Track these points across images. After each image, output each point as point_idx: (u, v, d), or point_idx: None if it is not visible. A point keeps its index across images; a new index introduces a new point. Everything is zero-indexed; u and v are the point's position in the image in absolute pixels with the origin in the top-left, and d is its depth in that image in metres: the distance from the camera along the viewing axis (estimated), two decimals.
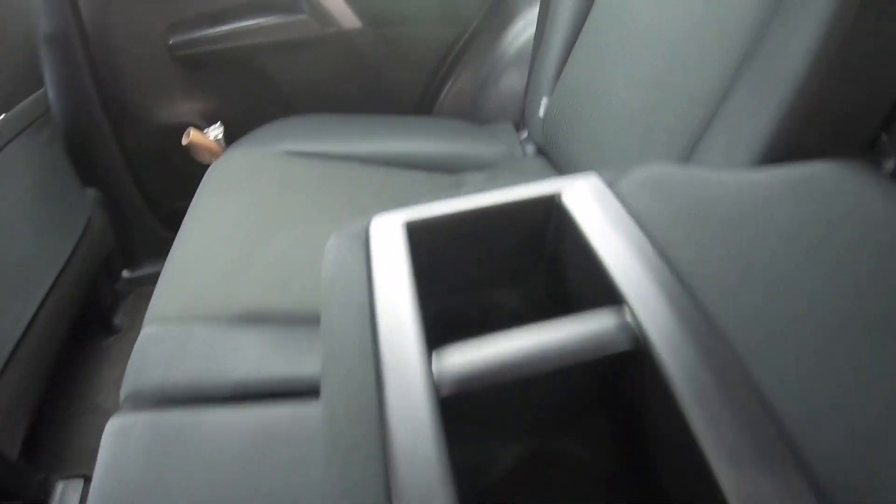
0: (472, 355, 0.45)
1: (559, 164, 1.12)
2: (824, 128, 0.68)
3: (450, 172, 1.20)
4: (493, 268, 0.61)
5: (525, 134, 1.28)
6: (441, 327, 0.49)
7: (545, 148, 1.17)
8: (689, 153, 0.78)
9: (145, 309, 0.94)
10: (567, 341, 0.46)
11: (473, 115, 1.46)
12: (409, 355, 0.45)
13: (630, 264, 0.50)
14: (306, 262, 0.91)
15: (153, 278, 1.02)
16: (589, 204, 0.56)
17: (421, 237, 0.56)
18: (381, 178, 1.15)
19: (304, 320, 0.84)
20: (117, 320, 1.57)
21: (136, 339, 0.86)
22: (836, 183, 0.58)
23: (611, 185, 0.59)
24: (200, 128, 1.44)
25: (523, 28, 1.45)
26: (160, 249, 1.27)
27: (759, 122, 0.69)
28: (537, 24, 1.31)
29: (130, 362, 0.83)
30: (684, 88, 0.81)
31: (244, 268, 0.92)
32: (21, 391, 1.09)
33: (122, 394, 0.80)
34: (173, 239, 1.08)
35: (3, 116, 1.11)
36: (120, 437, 0.72)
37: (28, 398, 1.12)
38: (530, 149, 1.24)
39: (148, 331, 0.86)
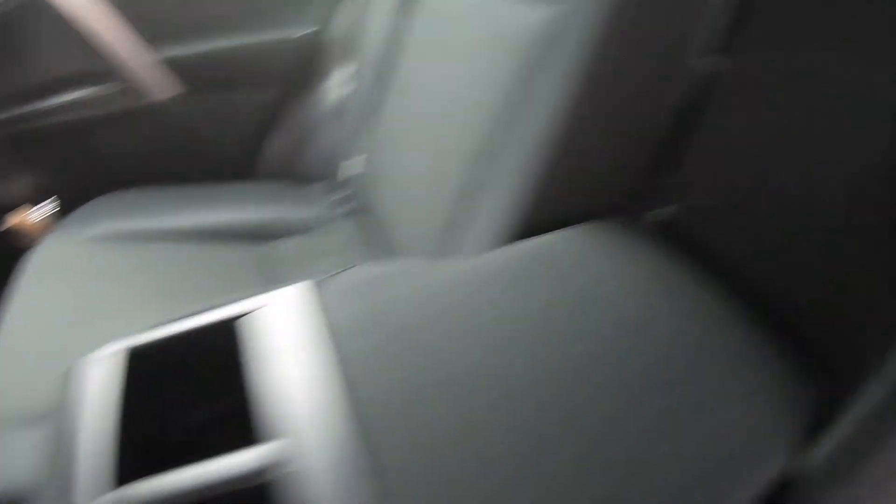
0: (135, 491, 0.50)
1: (372, 225, 1.17)
2: (577, 191, 0.75)
3: (265, 240, 1.25)
4: (198, 392, 0.62)
5: (338, 195, 1.34)
6: (153, 452, 0.53)
7: (357, 211, 1.23)
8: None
9: None
10: (208, 479, 0.50)
11: (293, 175, 1.51)
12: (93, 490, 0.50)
13: (294, 394, 0.54)
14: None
15: None
16: (279, 322, 0.61)
17: (140, 363, 0.61)
18: (193, 255, 1.20)
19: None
20: None
21: None
22: (552, 259, 0.65)
23: (320, 292, 0.64)
24: (33, 203, 1.46)
25: (339, 84, 1.49)
26: None
27: (508, 198, 0.75)
28: (354, 81, 1.37)
29: None
30: (453, 155, 0.87)
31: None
32: None
33: None
34: None
35: None
36: None
37: None
38: (341, 211, 1.30)
39: None
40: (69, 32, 1.36)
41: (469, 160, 0.83)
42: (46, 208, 1.47)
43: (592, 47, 0.66)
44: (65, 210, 1.44)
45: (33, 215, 1.45)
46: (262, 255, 1.22)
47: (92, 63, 1.41)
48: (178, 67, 1.45)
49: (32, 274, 1.15)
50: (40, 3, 1.31)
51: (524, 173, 0.73)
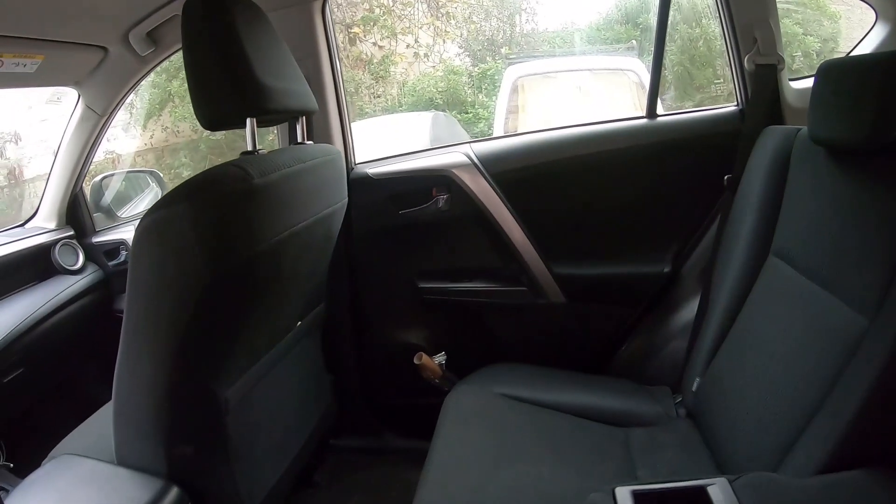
0: None
1: (705, 432, 1.43)
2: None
3: (619, 426, 1.54)
4: None
5: (679, 398, 1.60)
6: None
7: (694, 415, 1.50)
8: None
9: (342, 471, 1.61)
10: None
11: (638, 376, 1.81)
12: None
13: None
14: (534, 496, 1.27)
15: (350, 450, 1.59)
16: None
17: None
18: (570, 426, 1.52)
19: None
20: (317, 477, 1.98)
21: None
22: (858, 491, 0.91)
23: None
24: (428, 353, 1.92)
25: (689, 310, 1.82)
26: (362, 429, 1.93)
27: (836, 430, 1.01)
28: (697, 311, 1.71)
29: None
30: (796, 395, 1.14)
31: (486, 483, 1.30)
32: None
33: None
34: (374, 421, 1.77)
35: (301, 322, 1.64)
36: None
37: None
38: (682, 412, 1.56)
39: None
40: (494, 238, 1.87)
41: (796, 404, 1.11)
42: (439, 357, 1.92)
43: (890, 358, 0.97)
44: (452, 363, 1.91)
45: (436, 359, 1.91)
46: (617, 437, 1.50)
47: (505, 264, 1.89)
48: (564, 281, 1.89)
49: (454, 413, 1.55)
50: (476, 212, 1.85)
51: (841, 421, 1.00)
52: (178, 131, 7.54)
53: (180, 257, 1.12)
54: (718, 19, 1.78)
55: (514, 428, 1.49)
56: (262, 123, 1.37)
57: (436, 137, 5.58)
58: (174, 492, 1.23)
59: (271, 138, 2.54)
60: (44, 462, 1.38)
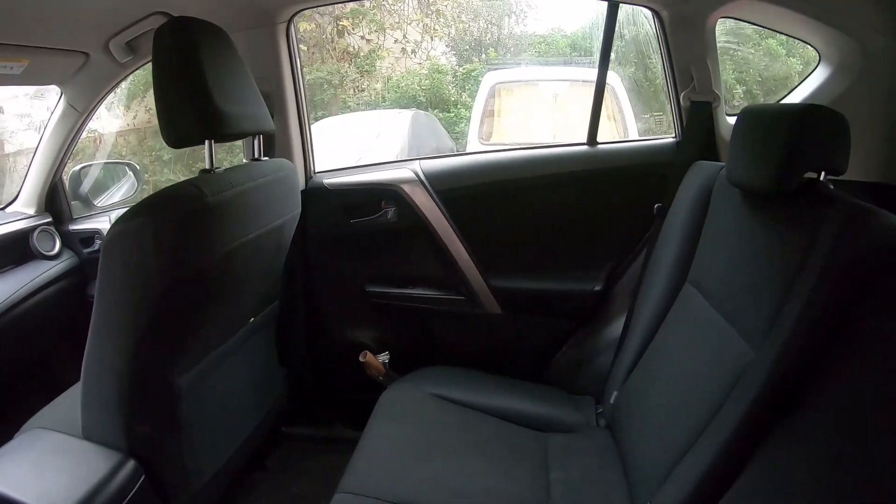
0: None
1: (618, 442, 1.56)
2: None
3: (541, 430, 1.67)
4: None
5: (600, 409, 1.74)
6: None
7: (611, 426, 1.64)
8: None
9: (293, 457, 1.91)
10: None
11: (568, 385, 1.94)
12: None
13: None
14: (447, 490, 1.41)
15: (302, 438, 1.88)
16: None
17: None
18: (493, 427, 1.66)
19: None
20: (269, 462, 2.14)
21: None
22: None
23: None
24: (374, 352, 2.08)
25: (617, 326, 1.96)
26: (314, 420, 2.14)
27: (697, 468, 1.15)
28: (623, 328, 1.86)
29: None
30: (687, 420, 1.26)
31: (406, 475, 1.44)
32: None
33: None
34: (324, 412, 2.00)
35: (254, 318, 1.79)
36: None
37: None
38: (602, 422, 1.69)
39: (341, 497, 1.38)
40: (437, 250, 2.02)
41: (686, 429, 1.23)
42: (383, 357, 2.08)
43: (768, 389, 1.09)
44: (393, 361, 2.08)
45: (380, 358, 2.06)
46: (538, 440, 1.63)
47: (447, 274, 2.05)
48: (500, 293, 2.05)
49: (386, 408, 1.70)
50: (421, 225, 2.01)
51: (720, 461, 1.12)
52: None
53: (140, 266, 1.27)
54: (659, 56, 1.92)
55: (439, 426, 1.63)
56: (222, 140, 1.50)
57: (414, 136, 5.70)
58: (131, 464, 1.37)
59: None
60: (15, 435, 1.51)
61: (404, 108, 7.33)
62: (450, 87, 8.56)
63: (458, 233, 2.00)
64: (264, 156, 1.74)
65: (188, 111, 1.34)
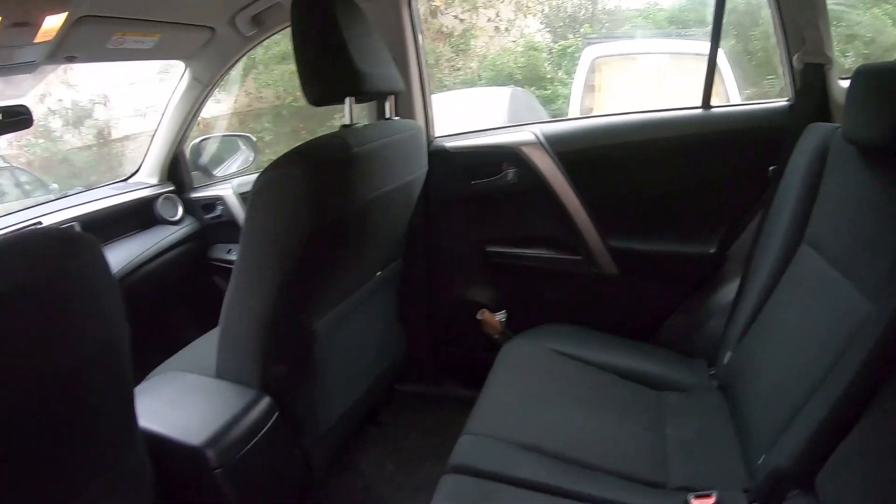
0: None
1: (731, 404, 1.57)
2: None
3: (653, 388, 1.71)
4: None
5: (713, 371, 1.75)
6: None
7: (724, 387, 1.65)
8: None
9: (404, 413, 1.99)
10: None
11: (679, 348, 1.96)
12: None
13: None
14: (568, 437, 1.45)
15: (413, 395, 1.96)
16: None
17: None
18: (610, 382, 1.70)
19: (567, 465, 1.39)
20: (381, 416, 2.24)
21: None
22: None
23: None
24: (491, 310, 2.13)
25: (730, 290, 1.94)
26: (426, 377, 2.24)
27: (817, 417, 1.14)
28: (737, 291, 1.85)
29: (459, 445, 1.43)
30: (802, 377, 1.26)
31: (528, 421, 1.50)
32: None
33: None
34: (437, 371, 2.10)
35: (380, 273, 1.87)
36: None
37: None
38: (714, 384, 1.70)
39: (466, 438, 1.45)
40: (556, 211, 2.06)
41: (801, 385, 1.23)
42: (500, 315, 2.14)
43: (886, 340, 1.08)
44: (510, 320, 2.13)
45: (497, 316, 2.13)
46: (652, 397, 1.67)
47: (565, 235, 2.09)
48: (617, 255, 2.07)
49: (508, 359, 1.76)
50: (540, 186, 2.04)
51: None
52: (261, 97, 7.81)
53: (289, 210, 1.37)
54: (770, 18, 1.91)
55: (560, 378, 1.68)
56: (360, 97, 1.60)
57: (513, 112, 5.69)
58: (266, 400, 1.47)
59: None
60: (147, 377, 1.62)
61: (501, 86, 7.31)
62: (545, 65, 8.48)
63: (576, 194, 2.03)
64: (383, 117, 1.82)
65: (330, 71, 1.45)
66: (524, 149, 2.04)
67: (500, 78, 8.16)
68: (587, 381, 1.69)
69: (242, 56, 2.33)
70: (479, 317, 2.12)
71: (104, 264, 0.99)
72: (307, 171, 1.36)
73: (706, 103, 2.03)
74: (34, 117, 1.40)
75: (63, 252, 0.93)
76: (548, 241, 2.13)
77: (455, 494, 1.29)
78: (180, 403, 1.46)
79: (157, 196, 2.39)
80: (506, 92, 6.35)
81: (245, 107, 7.54)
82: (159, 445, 1.30)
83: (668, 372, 1.77)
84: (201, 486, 1.35)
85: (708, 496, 1.24)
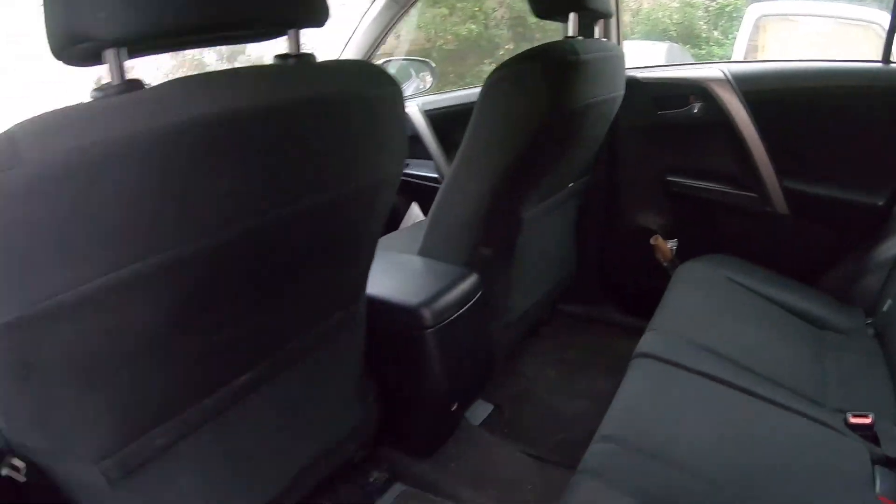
0: None
1: (887, 351, 1.63)
2: None
3: (814, 324, 1.78)
4: None
5: (870, 321, 1.79)
6: None
7: (881, 335, 1.70)
8: None
9: (563, 331, 2.15)
10: None
11: (839, 293, 2.00)
12: None
13: None
14: (740, 348, 1.53)
15: (574, 315, 2.07)
16: None
17: None
18: (778, 313, 1.77)
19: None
20: (542, 331, 2.40)
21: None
22: None
23: None
24: (663, 237, 2.24)
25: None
26: (588, 298, 2.37)
27: None
28: None
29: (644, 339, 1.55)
30: None
31: (706, 330, 1.59)
32: None
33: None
34: (600, 292, 2.27)
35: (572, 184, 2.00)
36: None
37: None
38: (870, 332, 1.75)
39: (650, 335, 1.57)
40: (736, 146, 2.12)
41: None
42: (672, 243, 2.24)
43: None
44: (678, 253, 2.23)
45: (669, 244, 2.23)
46: (813, 334, 1.73)
47: (742, 171, 2.15)
48: (790, 195, 2.12)
49: (685, 276, 1.86)
50: (724, 121, 2.10)
51: None
52: (410, 38, 8.03)
53: (530, 98, 1.54)
54: None
55: (731, 301, 1.77)
56: (583, 13, 1.75)
57: None
58: (474, 276, 1.64)
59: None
60: None
61: (656, 41, 7.22)
62: (700, 23, 8.28)
63: (758, 131, 2.08)
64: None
65: None
66: (712, 84, 2.10)
67: (654, 34, 8.05)
68: (756, 308, 1.77)
69: None
70: (652, 241, 2.23)
71: (403, 103, 1.12)
72: (545, 65, 1.53)
73: (886, 58, 2.03)
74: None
75: (383, 80, 1.05)
76: (725, 175, 2.20)
77: (645, 374, 1.42)
78: (393, 275, 1.62)
79: None
80: (662, 47, 6.31)
81: (393, 48, 7.77)
82: (377, 306, 1.46)
83: (828, 314, 1.83)
84: (412, 342, 1.53)
85: (865, 416, 1.31)
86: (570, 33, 1.72)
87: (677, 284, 1.82)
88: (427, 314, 1.49)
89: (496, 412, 2.02)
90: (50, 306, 0.72)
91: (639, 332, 1.62)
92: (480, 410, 2.00)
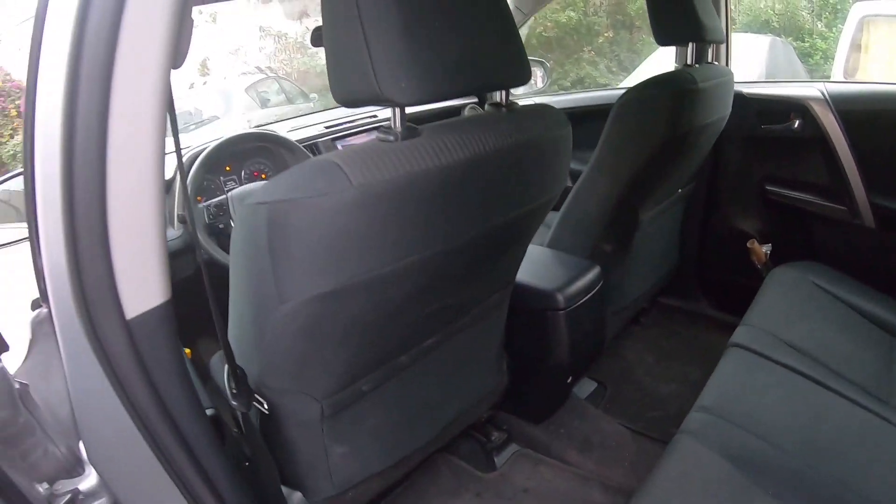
0: None
1: None
2: None
3: (892, 335, 1.87)
4: None
5: None
6: None
7: None
8: None
9: (661, 321, 2.46)
10: None
11: None
12: None
13: None
14: (820, 347, 1.69)
15: (671, 307, 2.37)
16: None
17: None
18: (857, 320, 1.88)
19: None
20: (643, 320, 2.69)
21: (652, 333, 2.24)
22: None
23: None
24: (758, 241, 2.46)
25: None
26: (684, 292, 2.63)
27: None
28: None
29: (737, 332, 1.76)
30: None
31: (792, 328, 1.75)
32: None
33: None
34: (697, 288, 2.53)
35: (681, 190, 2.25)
36: None
37: None
38: None
39: (743, 329, 1.75)
40: (830, 161, 2.29)
41: None
42: (766, 248, 2.45)
43: None
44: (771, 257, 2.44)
45: (763, 248, 2.45)
46: (886, 341, 1.84)
47: (834, 185, 2.32)
48: (878, 210, 2.27)
49: (777, 279, 2.02)
50: (820, 138, 2.28)
51: None
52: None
53: (654, 121, 1.81)
54: None
55: (816, 305, 1.93)
56: (700, 43, 2.01)
57: (772, 64, 5.66)
58: (597, 268, 1.91)
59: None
60: None
61: (758, 33, 7.18)
62: (804, 14, 8.15)
63: (851, 150, 2.24)
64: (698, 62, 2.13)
65: (678, 18, 1.86)
66: (811, 103, 2.27)
67: (756, 24, 7.97)
68: (838, 313, 1.93)
69: None
70: (748, 245, 2.44)
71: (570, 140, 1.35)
72: (668, 93, 1.79)
73: None
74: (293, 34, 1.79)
75: (562, 122, 1.30)
76: (818, 187, 2.36)
77: (737, 361, 1.65)
78: (531, 263, 1.80)
79: (462, 106, 2.75)
80: (764, 41, 6.25)
81: None
82: (518, 289, 1.71)
83: None
84: (545, 321, 1.82)
85: None
86: (689, 61, 2.00)
87: (769, 287, 2.01)
88: (560, 298, 1.79)
89: (600, 388, 2.30)
90: (351, 283, 1.03)
91: (730, 327, 1.83)
92: (587, 386, 2.29)
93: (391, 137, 1.03)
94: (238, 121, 9.15)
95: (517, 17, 2.76)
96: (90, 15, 0.76)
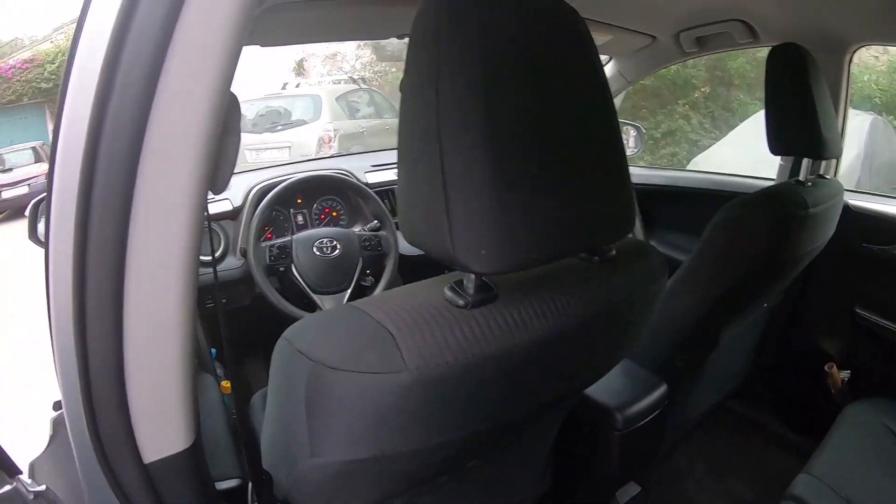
0: None
1: None
2: None
3: None
4: None
5: None
6: None
7: None
8: None
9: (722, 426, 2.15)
10: None
11: None
12: None
13: None
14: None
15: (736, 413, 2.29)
16: None
17: None
18: None
19: None
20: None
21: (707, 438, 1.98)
22: None
23: None
24: (838, 366, 2.29)
25: None
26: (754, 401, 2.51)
27: None
28: None
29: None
30: None
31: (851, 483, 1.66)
32: None
33: None
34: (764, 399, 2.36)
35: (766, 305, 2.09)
36: None
37: None
38: None
39: (804, 476, 1.66)
40: None
41: None
42: (844, 374, 2.28)
43: None
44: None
45: (841, 374, 2.28)
46: None
47: None
48: None
49: (845, 424, 1.89)
50: None
51: None
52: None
53: (751, 246, 1.65)
54: None
55: (885, 456, 1.79)
56: (815, 159, 1.85)
57: (871, 144, 5.41)
58: (664, 387, 1.76)
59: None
60: None
61: (858, 109, 6.88)
62: None
63: None
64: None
65: (797, 128, 1.71)
66: None
67: (857, 99, 7.67)
68: None
69: (671, 64, 2.59)
70: (826, 368, 2.27)
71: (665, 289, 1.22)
72: (771, 217, 1.63)
73: None
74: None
75: (658, 274, 1.15)
76: None
77: None
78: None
79: None
80: (865, 120, 5.93)
81: None
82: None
83: None
84: (599, 439, 1.68)
85: None
86: (802, 177, 1.83)
87: (839, 428, 1.88)
88: (619, 418, 1.64)
89: (642, 494, 2.15)
90: (392, 454, 0.92)
91: (793, 448, 1.78)
92: (629, 489, 2.13)
93: (461, 302, 0.87)
94: (325, 128, 9.25)
95: (619, 84, 2.66)
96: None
